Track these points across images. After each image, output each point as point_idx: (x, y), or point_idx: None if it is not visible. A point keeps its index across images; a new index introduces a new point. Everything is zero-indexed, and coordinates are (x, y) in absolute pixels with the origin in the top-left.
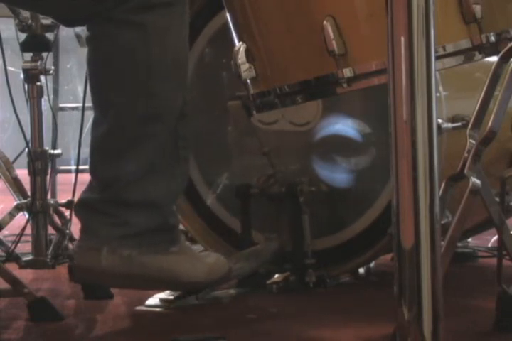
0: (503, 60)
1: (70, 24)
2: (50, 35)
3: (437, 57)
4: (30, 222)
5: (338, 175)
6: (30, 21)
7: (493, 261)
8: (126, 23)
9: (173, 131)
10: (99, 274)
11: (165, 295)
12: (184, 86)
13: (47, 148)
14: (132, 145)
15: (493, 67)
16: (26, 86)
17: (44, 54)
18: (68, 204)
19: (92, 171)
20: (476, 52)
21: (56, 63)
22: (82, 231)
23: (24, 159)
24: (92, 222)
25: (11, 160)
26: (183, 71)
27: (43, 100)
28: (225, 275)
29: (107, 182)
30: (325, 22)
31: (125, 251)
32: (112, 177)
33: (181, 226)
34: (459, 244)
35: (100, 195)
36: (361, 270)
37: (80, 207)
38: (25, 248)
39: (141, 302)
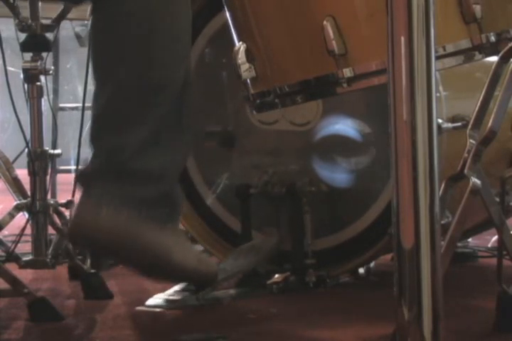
0: (503, 60)
1: (76, 0)
2: (50, 35)
3: (437, 57)
4: (30, 221)
5: (338, 175)
6: (30, 21)
7: (493, 261)
8: None
9: (177, 101)
10: (94, 231)
11: (165, 295)
12: (187, 54)
13: (47, 148)
14: (135, 117)
15: (493, 67)
16: (26, 86)
17: (44, 54)
18: (68, 204)
19: (94, 142)
20: (476, 52)
21: (56, 63)
22: (84, 191)
23: (24, 159)
24: (94, 184)
25: (11, 160)
26: (185, 40)
27: (42, 100)
28: (211, 276)
29: (110, 153)
30: (325, 22)
31: (124, 210)
32: (115, 149)
33: (181, 226)
34: (459, 244)
35: (103, 166)
36: (361, 270)
37: (82, 176)
38: (25, 248)
39: (141, 303)
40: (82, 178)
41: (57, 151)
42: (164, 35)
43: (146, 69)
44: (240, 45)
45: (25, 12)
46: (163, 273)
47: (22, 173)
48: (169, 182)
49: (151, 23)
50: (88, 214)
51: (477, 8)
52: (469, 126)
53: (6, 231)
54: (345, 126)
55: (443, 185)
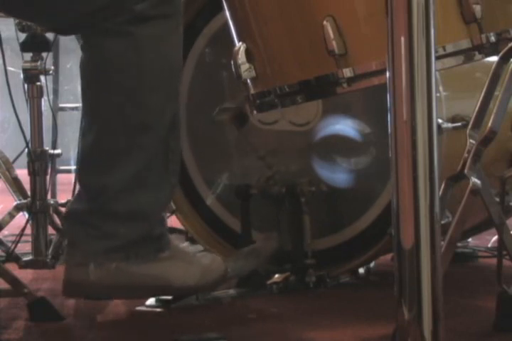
0: (503, 60)
1: (63, 33)
2: (50, 35)
3: (437, 57)
4: (30, 222)
5: (338, 175)
6: None
7: (493, 261)
8: (120, 33)
9: (162, 143)
10: (88, 288)
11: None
12: (175, 97)
13: (47, 148)
14: (120, 156)
15: (493, 67)
16: (26, 86)
17: (44, 54)
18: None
19: (80, 180)
20: (476, 52)
21: (56, 63)
22: (69, 245)
23: (24, 159)
24: (78, 236)
25: (11, 160)
26: (174, 82)
27: (42, 100)
28: (221, 276)
29: (95, 192)
30: (325, 22)
31: (112, 264)
32: (100, 188)
33: (181, 226)
34: (459, 244)
35: (88, 205)
36: (361, 270)
37: (67, 218)
38: (25, 248)
39: (141, 303)
40: (67, 221)
41: (57, 151)
42: (153, 76)
43: (133, 111)
44: (240, 45)
45: None
46: (171, 295)
47: (22, 173)
48: (153, 220)
49: (139, 64)
50: (77, 275)
51: (477, 8)
52: (469, 126)
53: (6, 231)
54: (345, 126)
55: (443, 185)
